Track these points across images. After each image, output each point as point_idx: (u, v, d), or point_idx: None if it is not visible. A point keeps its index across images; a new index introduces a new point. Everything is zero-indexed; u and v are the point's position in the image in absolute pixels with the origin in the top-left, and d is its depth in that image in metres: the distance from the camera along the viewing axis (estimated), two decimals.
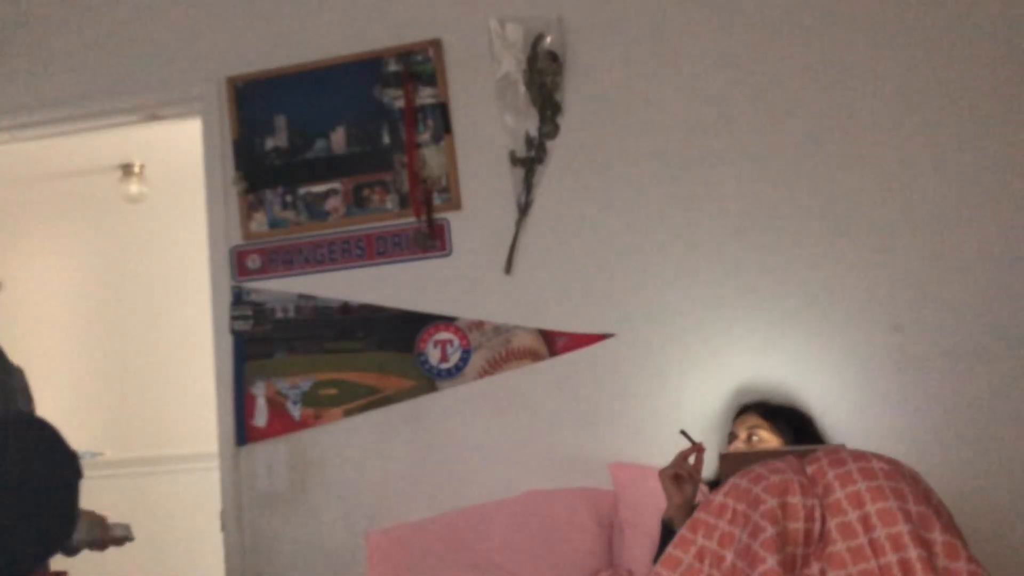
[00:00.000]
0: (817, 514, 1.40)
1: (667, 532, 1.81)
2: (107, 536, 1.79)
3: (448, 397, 2.36)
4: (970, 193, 2.16)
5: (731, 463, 1.69)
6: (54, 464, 1.40)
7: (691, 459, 1.86)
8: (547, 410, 2.31)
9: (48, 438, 1.42)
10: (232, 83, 2.56)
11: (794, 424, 2.01)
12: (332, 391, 2.42)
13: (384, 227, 2.44)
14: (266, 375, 2.45)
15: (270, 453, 2.42)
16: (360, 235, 2.45)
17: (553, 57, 2.36)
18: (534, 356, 2.33)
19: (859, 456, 1.46)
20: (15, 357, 1.95)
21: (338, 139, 2.49)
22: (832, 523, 1.39)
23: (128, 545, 1.82)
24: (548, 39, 2.36)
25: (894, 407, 2.14)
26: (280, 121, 2.52)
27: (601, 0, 2.39)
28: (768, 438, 1.95)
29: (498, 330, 2.35)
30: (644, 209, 2.31)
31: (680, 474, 1.82)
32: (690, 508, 1.82)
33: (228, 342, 2.49)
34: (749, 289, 2.24)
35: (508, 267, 2.36)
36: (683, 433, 1.91)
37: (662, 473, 1.84)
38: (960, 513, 1.51)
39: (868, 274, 2.19)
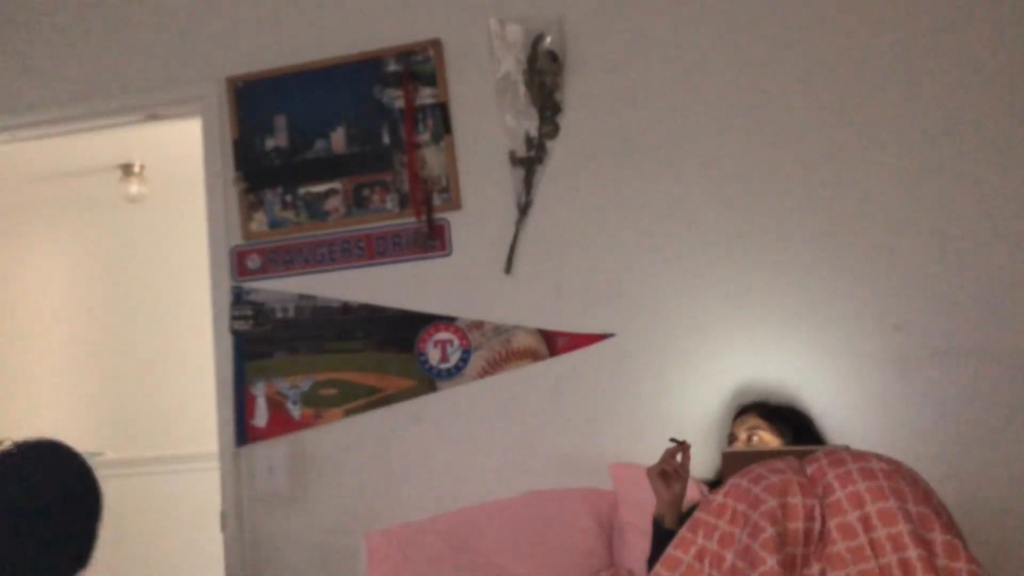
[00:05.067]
0: (817, 514, 1.40)
1: (658, 529, 1.81)
2: None
3: (448, 397, 2.36)
4: (970, 193, 2.16)
5: (732, 462, 1.69)
6: (78, 496, 1.39)
7: (678, 457, 1.85)
8: (547, 410, 2.31)
9: (75, 468, 1.41)
10: (232, 83, 2.56)
11: (794, 424, 2.01)
12: (332, 391, 2.42)
13: (384, 227, 2.44)
14: (266, 375, 2.45)
15: (270, 453, 2.42)
16: (360, 235, 2.45)
17: (553, 57, 2.36)
18: (534, 356, 2.33)
19: (859, 456, 1.46)
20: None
21: (338, 139, 2.49)
22: (832, 523, 1.39)
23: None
24: (548, 39, 2.36)
25: (894, 407, 2.14)
26: (280, 121, 2.52)
27: (601, 0, 2.39)
28: (768, 439, 1.95)
29: (498, 330, 2.35)
30: (644, 209, 2.31)
31: (667, 471, 1.82)
32: (679, 505, 1.82)
33: (228, 342, 2.49)
34: (749, 289, 2.24)
35: (508, 267, 2.36)
36: (672, 441, 1.90)
37: (650, 471, 1.84)
38: (960, 513, 1.51)
39: (868, 274, 2.19)
